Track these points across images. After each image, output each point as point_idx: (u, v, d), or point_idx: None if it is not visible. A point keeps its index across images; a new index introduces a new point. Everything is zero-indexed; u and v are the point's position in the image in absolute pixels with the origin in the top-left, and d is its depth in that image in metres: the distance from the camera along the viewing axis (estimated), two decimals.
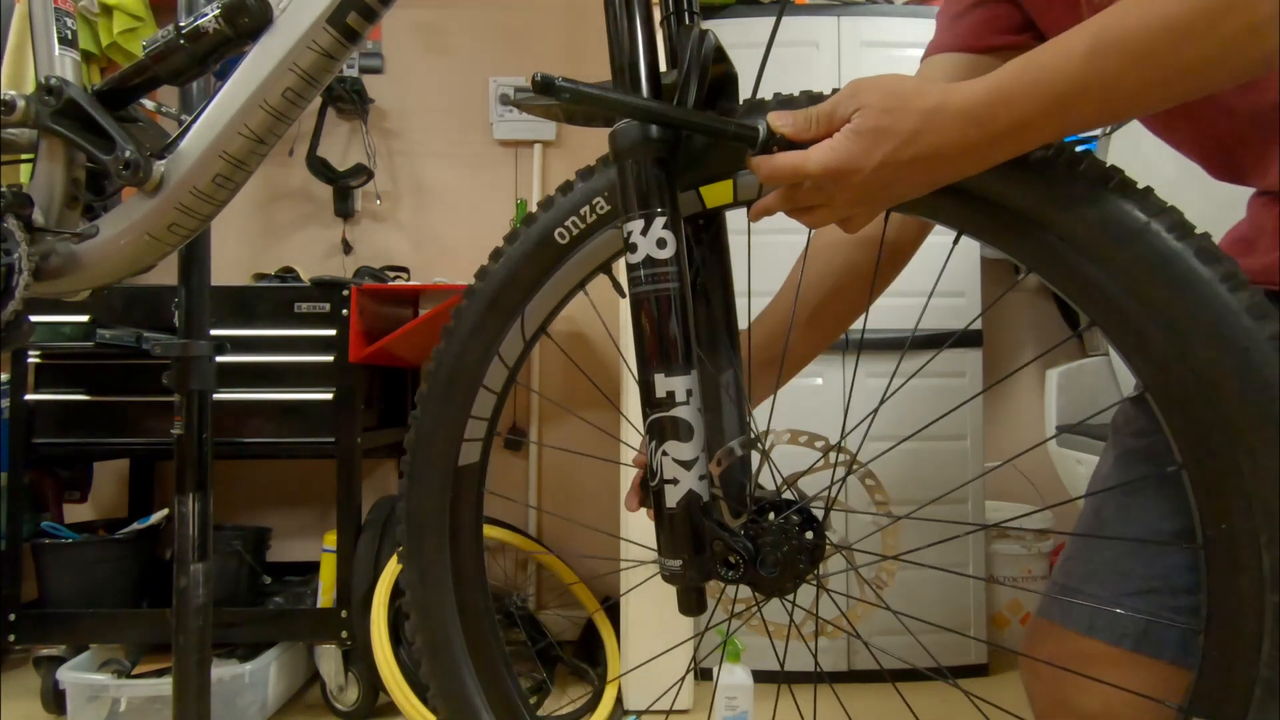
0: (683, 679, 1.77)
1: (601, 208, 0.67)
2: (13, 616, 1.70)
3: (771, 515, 0.61)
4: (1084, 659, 0.68)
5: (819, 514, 0.62)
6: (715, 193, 0.63)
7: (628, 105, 0.56)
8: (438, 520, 0.74)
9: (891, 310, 1.94)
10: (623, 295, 0.74)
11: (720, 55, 0.59)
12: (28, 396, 1.78)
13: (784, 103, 0.59)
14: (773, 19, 0.78)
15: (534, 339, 0.72)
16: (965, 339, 1.99)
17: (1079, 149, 0.54)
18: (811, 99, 0.58)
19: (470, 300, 0.71)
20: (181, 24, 0.76)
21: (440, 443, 0.73)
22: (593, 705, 1.79)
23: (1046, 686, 0.73)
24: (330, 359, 1.79)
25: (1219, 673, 0.51)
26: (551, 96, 0.52)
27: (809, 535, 0.61)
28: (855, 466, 0.64)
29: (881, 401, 0.68)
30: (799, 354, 0.83)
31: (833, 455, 0.64)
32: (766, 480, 0.66)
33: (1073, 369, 1.90)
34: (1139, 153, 1.58)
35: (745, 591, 0.64)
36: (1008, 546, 2.19)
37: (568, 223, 0.68)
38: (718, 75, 0.60)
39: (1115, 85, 0.48)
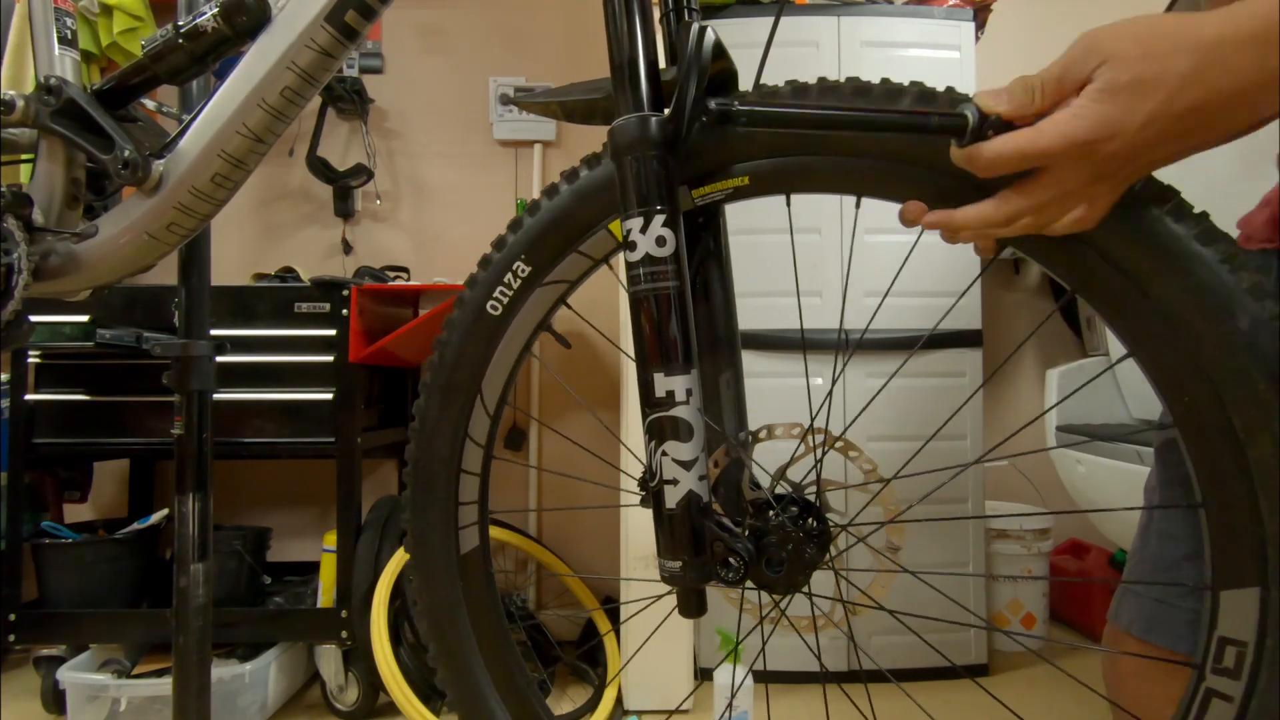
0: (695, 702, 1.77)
1: (523, 271, 0.67)
2: (13, 616, 1.70)
3: (770, 512, 0.60)
4: (1152, 665, 0.66)
5: (812, 499, 0.61)
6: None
7: (837, 119, 0.52)
8: (457, 612, 0.73)
9: (892, 310, 1.95)
10: (567, 346, 0.75)
11: (720, 51, 0.59)
12: (28, 396, 1.78)
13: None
14: (772, 19, 0.78)
15: (499, 411, 0.72)
16: (965, 339, 1.99)
17: None
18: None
19: (427, 394, 0.72)
20: (180, 23, 0.76)
21: (437, 538, 0.73)
22: (593, 705, 1.79)
23: (1128, 698, 0.71)
24: (330, 359, 1.79)
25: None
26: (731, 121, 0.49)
27: (812, 523, 0.60)
28: (829, 441, 0.63)
29: (870, 401, 0.68)
30: None
31: (811, 438, 0.64)
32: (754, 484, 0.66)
33: (1073, 369, 1.90)
34: None
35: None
36: (1007, 546, 2.19)
37: (496, 294, 0.68)
38: (718, 72, 0.60)
39: None
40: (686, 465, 0.56)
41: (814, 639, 0.65)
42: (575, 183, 0.66)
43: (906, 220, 0.51)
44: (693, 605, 0.60)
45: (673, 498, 0.57)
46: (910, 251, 1.70)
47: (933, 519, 1.81)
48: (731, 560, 0.58)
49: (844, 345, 1.94)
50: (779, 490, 0.62)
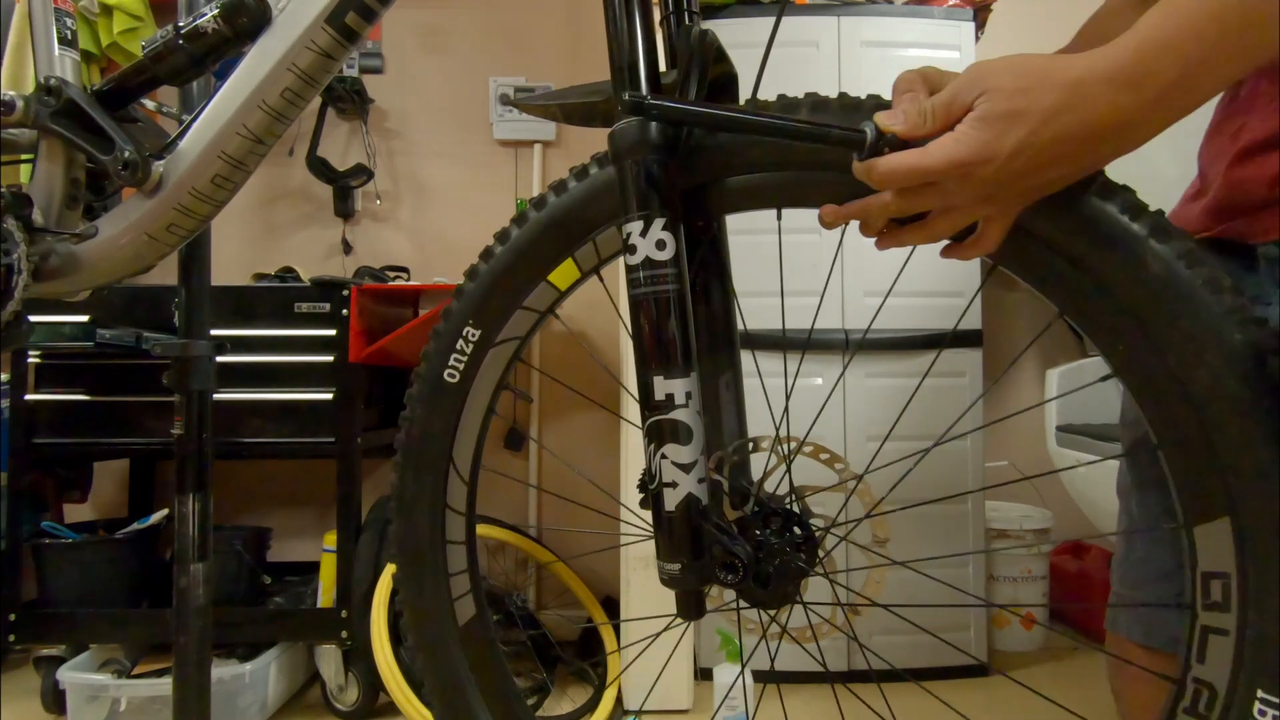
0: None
1: (473, 335, 0.69)
2: (13, 616, 1.70)
3: (772, 524, 0.60)
4: (1157, 667, 0.65)
5: (805, 522, 0.61)
6: (563, 275, 0.66)
7: (744, 122, 0.53)
8: (466, 687, 0.72)
9: (892, 310, 1.95)
10: (529, 400, 0.74)
11: (720, 54, 0.59)
12: (28, 396, 1.78)
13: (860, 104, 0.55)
14: (773, 19, 0.78)
15: (475, 475, 0.72)
16: (965, 339, 1.99)
17: None
18: (877, 105, 0.54)
19: (401, 473, 0.72)
20: (180, 24, 0.76)
21: (434, 614, 0.72)
22: (593, 705, 1.79)
23: (1136, 703, 0.70)
24: (330, 359, 1.79)
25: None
26: (644, 115, 0.52)
27: (796, 532, 0.60)
28: (797, 447, 0.62)
29: (823, 405, 0.67)
30: None
31: (781, 446, 0.63)
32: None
33: (1072, 369, 1.90)
34: (1141, 153, 1.57)
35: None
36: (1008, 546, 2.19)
37: (451, 363, 0.70)
38: (718, 75, 0.60)
39: None
40: (686, 468, 0.56)
41: (812, 646, 0.65)
42: (509, 242, 0.67)
43: (825, 223, 0.55)
44: (692, 608, 0.60)
45: (672, 500, 0.56)
46: (837, 253, 1.70)
47: (909, 505, 1.81)
48: (731, 563, 0.57)
49: (790, 347, 1.94)
50: (758, 506, 0.62)
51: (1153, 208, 0.52)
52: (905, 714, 0.73)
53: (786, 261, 1.92)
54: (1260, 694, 0.48)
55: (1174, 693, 0.53)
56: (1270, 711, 0.48)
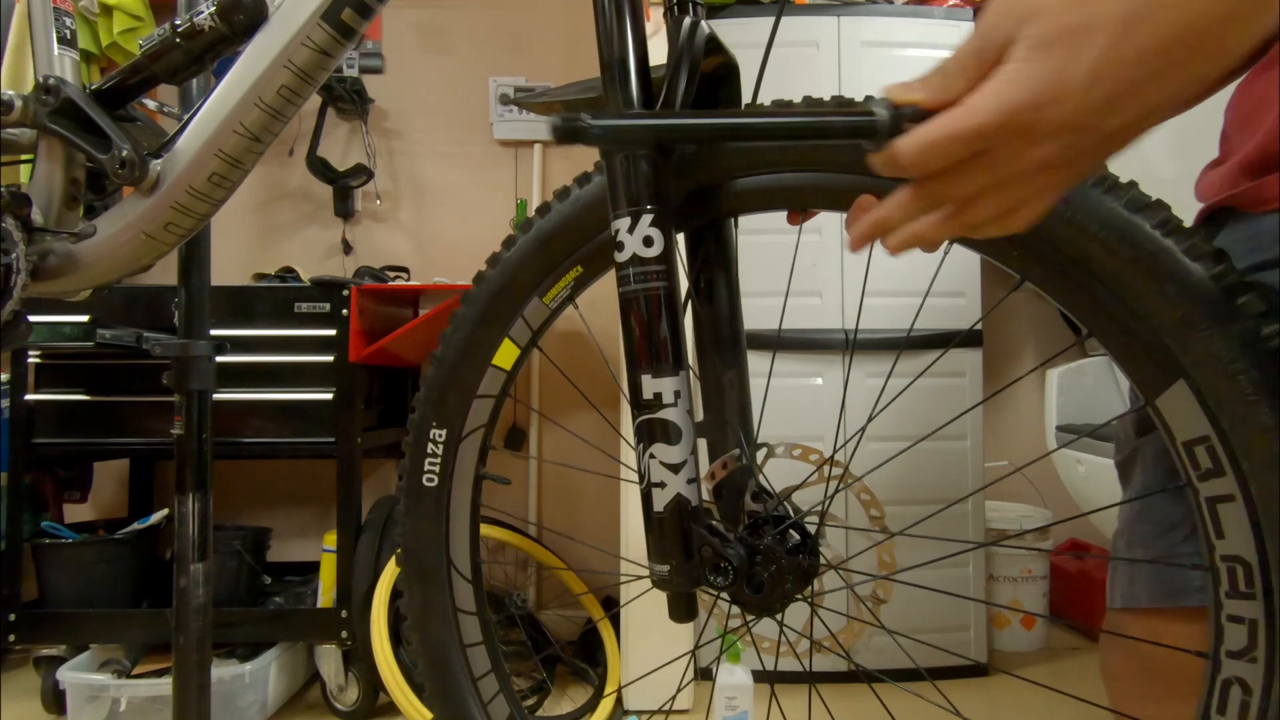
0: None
1: (439, 435, 0.70)
2: (13, 616, 1.70)
3: (766, 532, 0.59)
4: (1178, 635, 0.60)
5: (811, 530, 0.60)
6: (504, 355, 0.68)
7: (690, 128, 0.49)
8: None
9: (892, 310, 1.95)
10: (507, 484, 0.74)
11: (716, 45, 0.58)
12: (28, 396, 1.78)
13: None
14: (773, 19, 0.77)
15: (478, 573, 0.73)
16: (965, 339, 1.99)
17: None
18: None
19: (408, 587, 0.72)
20: (177, 22, 0.76)
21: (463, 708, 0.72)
22: (593, 705, 1.79)
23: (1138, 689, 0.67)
24: (330, 359, 1.80)
25: None
26: (581, 142, 0.43)
27: (801, 556, 0.59)
28: (847, 480, 0.61)
29: (870, 418, 0.67)
30: None
31: (826, 470, 0.62)
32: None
33: (1073, 369, 1.90)
34: (1139, 151, 1.57)
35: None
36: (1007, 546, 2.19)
37: (426, 468, 0.71)
38: (716, 66, 0.59)
39: None
40: (675, 468, 0.55)
41: (812, 656, 0.64)
42: (451, 342, 0.69)
43: (854, 248, 0.43)
44: (683, 609, 0.59)
45: (660, 501, 0.56)
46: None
47: (928, 535, 1.80)
48: (721, 565, 0.57)
49: (790, 347, 1.93)
50: (779, 512, 0.61)
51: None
52: (907, 714, 0.72)
53: (786, 262, 1.92)
54: None
55: (1212, 581, 0.51)
56: None
